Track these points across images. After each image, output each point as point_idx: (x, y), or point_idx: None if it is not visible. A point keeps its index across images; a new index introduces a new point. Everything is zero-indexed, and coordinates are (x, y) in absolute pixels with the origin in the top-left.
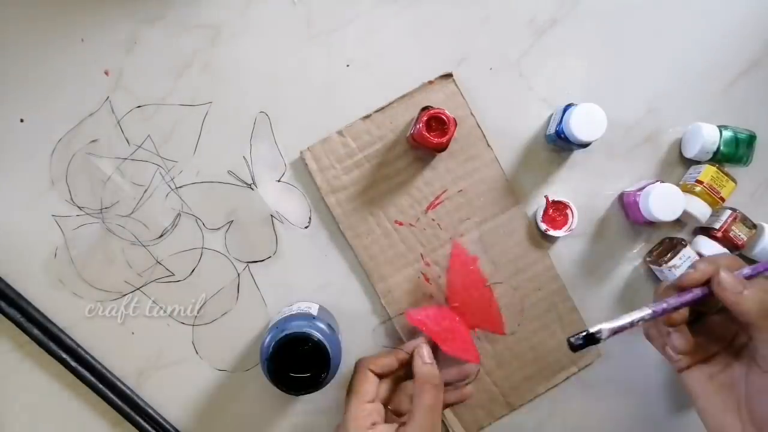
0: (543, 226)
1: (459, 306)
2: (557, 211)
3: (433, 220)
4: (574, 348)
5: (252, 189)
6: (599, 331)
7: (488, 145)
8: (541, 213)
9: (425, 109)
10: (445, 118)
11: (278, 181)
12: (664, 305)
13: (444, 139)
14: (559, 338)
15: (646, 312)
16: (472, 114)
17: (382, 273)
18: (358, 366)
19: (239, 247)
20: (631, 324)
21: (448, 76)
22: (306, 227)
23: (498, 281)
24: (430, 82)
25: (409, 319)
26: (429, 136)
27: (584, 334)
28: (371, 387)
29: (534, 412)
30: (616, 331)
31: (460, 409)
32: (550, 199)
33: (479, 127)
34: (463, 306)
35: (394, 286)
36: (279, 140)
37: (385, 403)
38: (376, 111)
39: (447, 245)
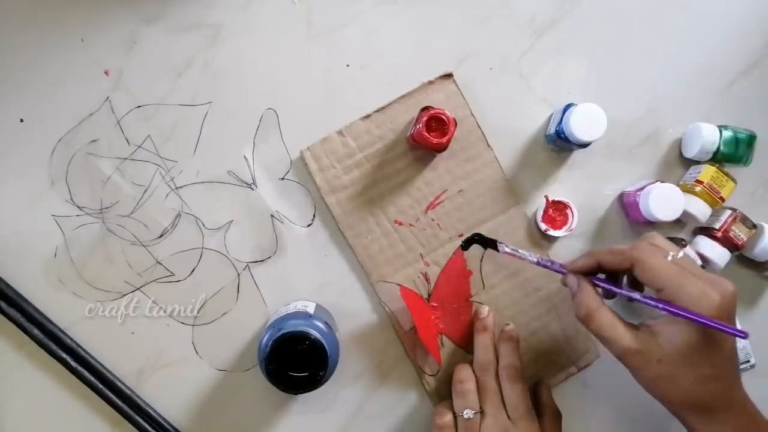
0: (543, 226)
1: (437, 307)
2: (557, 211)
3: (433, 220)
4: (479, 242)
5: (252, 189)
6: (502, 246)
7: (488, 145)
8: (541, 213)
9: (425, 109)
10: (445, 118)
11: (282, 178)
12: (547, 262)
13: (444, 140)
14: (559, 339)
15: (533, 257)
16: (472, 114)
17: (382, 273)
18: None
19: (239, 247)
20: (520, 257)
21: (449, 76)
22: (306, 227)
23: (493, 285)
24: (431, 82)
25: (402, 292)
26: (429, 136)
27: (492, 242)
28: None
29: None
30: (508, 253)
31: None
32: (550, 199)
33: (479, 127)
34: (440, 309)
35: (393, 286)
36: (280, 138)
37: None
38: (376, 111)
39: (447, 245)
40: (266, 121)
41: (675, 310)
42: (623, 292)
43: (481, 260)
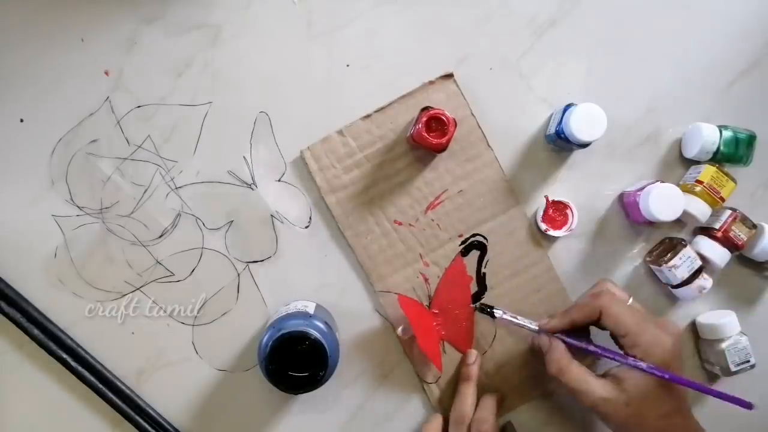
0: (543, 226)
1: (438, 314)
2: (557, 211)
3: (433, 220)
4: (478, 309)
5: (252, 189)
6: (499, 314)
7: (488, 145)
8: (541, 213)
9: (425, 109)
10: (444, 118)
11: (278, 180)
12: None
13: (444, 140)
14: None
15: (533, 325)
16: (472, 114)
17: (381, 273)
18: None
19: (239, 247)
20: (519, 326)
21: (449, 76)
22: (306, 227)
23: (495, 286)
24: (431, 82)
25: (400, 301)
26: (428, 136)
27: (490, 309)
28: None
29: (534, 413)
30: (507, 323)
31: None
32: (550, 199)
33: (479, 127)
34: (441, 316)
35: (392, 286)
36: (279, 140)
37: None
38: (377, 111)
39: (446, 245)
40: (265, 121)
41: (650, 370)
42: (591, 349)
43: (485, 266)
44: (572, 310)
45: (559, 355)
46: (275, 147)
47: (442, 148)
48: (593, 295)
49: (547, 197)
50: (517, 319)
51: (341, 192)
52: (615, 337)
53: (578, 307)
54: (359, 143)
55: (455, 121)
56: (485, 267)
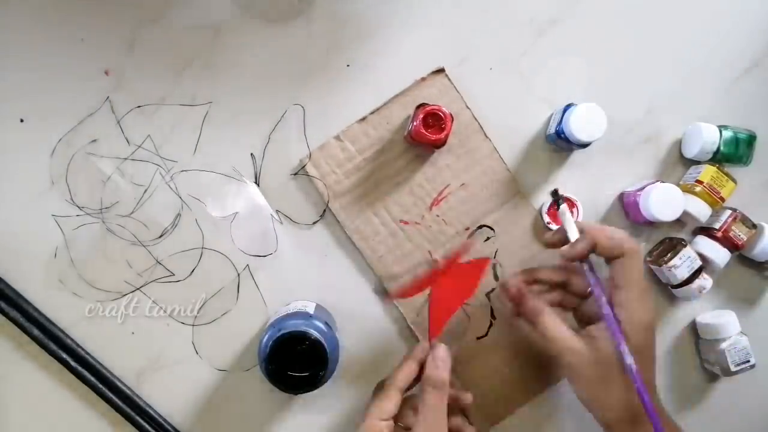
0: (546, 219)
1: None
2: None
3: (438, 216)
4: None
5: (252, 189)
6: (564, 209)
7: (486, 136)
8: (546, 206)
9: (421, 106)
10: (441, 114)
11: (295, 174)
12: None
13: (442, 135)
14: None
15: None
16: (467, 107)
17: (392, 273)
18: (384, 385)
19: (239, 247)
20: (566, 228)
21: (441, 71)
22: (315, 222)
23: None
24: (423, 79)
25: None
26: (426, 133)
27: (559, 198)
28: (392, 405)
29: (534, 412)
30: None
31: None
32: (560, 194)
33: (476, 119)
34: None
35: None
36: (279, 139)
37: (395, 419)
38: (371, 112)
39: (454, 240)
40: (276, 117)
41: (622, 350)
42: (597, 291)
43: (495, 256)
44: (600, 234)
45: (534, 302)
46: (290, 143)
47: (441, 144)
48: (626, 238)
49: (557, 191)
50: (569, 224)
51: (344, 197)
52: (610, 284)
53: (608, 236)
54: (357, 147)
55: (452, 116)
56: (495, 257)
